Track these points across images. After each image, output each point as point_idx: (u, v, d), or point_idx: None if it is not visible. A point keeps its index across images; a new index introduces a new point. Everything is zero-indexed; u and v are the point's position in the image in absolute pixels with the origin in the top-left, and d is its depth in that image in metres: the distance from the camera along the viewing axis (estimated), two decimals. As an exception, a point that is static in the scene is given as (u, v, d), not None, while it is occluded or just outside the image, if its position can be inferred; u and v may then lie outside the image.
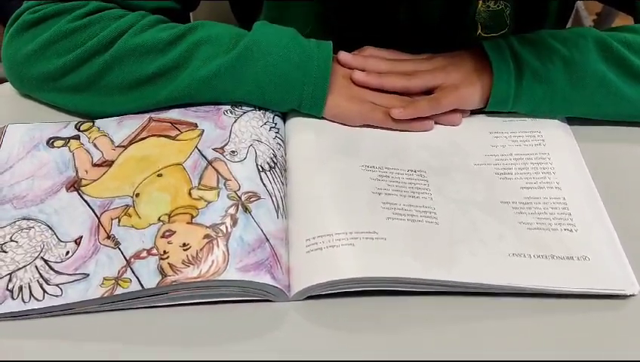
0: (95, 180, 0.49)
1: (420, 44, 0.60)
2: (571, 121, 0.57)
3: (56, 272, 0.43)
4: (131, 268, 0.43)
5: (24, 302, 0.42)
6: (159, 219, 0.46)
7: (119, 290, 0.42)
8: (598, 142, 0.56)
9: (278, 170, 0.50)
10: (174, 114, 0.54)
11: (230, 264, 0.42)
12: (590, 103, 0.56)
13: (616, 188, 0.51)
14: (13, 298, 0.42)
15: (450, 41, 0.60)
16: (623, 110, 0.57)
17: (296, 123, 0.55)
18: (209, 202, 0.46)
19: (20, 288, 0.43)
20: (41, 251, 0.45)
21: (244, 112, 0.54)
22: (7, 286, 0.43)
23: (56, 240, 0.45)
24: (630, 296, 0.44)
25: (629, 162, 0.55)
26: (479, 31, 0.62)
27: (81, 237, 0.45)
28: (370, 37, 0.60)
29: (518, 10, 0.61)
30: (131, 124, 0.54)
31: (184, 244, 0.44)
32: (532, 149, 0.54)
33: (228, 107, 0.54)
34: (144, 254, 0.44)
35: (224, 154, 0.50)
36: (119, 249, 0.44)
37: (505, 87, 0.54)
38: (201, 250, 0.43)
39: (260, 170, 0.49)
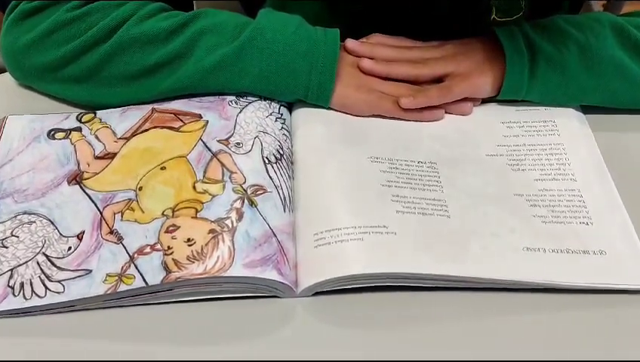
0: (97, 173, 0.48)
1: (432, 26, 0.58)
2: (586, 109, 0.56)
3: (58, 268, 0.42)
4: (135, 264, 0.42)
5: (25, 299, 0.41)
6: (163, 214, 0.44)
7: (123, 287, 0.41)
8: (614, 131, 0.55)
9: (284, 163, 0.49)
10: (178, 105, 0.53)
11: (236, 260, 0.41)
12: (606, 90, 0.54)
13: (633, 179, 0.50)
14: (14, 294, 0.41)
15: (463, 24, 0.58)
16: (641, 97, 0.55)
17: (302, 113, 0.54)
18: (214, 196, 0.45)
19: (22, 284, 0.42)
20: (43, 246, 0.44)
21: (250, 103, 0.53)
22: (9, 282, 0.42)
23: (58, 235, 0.44)
24: (648, 291, 0.43)
25: (646, 152, 0.54)
26: (493, 15, 0.60)
27: (84, 232, 0.44)
28: (380, 20, 0.58)
29: None
30: (134, 115, 0.52)
31: (189, 239, 0.43)
32: (546, 139, 0.53)
33: (233, 97, 0.53)
34: (148, 250, 0.43)
35: (229, 146, 0.49)
36: (122, 244, 0.43)
37: (518, 75, 0.53)
38: (206, 245, 0.42)
39: (266, 162, 0.48)
